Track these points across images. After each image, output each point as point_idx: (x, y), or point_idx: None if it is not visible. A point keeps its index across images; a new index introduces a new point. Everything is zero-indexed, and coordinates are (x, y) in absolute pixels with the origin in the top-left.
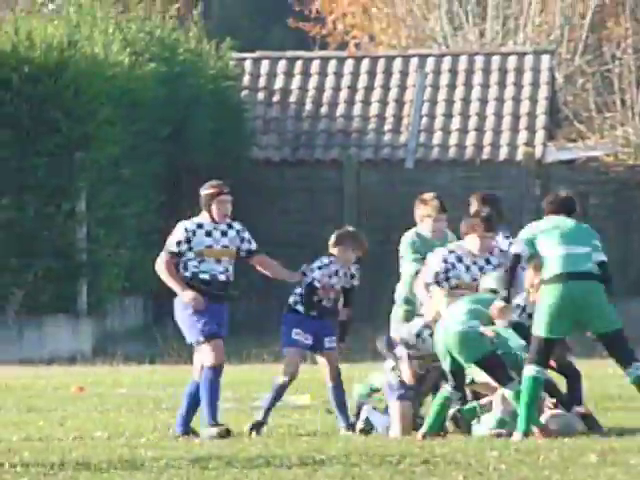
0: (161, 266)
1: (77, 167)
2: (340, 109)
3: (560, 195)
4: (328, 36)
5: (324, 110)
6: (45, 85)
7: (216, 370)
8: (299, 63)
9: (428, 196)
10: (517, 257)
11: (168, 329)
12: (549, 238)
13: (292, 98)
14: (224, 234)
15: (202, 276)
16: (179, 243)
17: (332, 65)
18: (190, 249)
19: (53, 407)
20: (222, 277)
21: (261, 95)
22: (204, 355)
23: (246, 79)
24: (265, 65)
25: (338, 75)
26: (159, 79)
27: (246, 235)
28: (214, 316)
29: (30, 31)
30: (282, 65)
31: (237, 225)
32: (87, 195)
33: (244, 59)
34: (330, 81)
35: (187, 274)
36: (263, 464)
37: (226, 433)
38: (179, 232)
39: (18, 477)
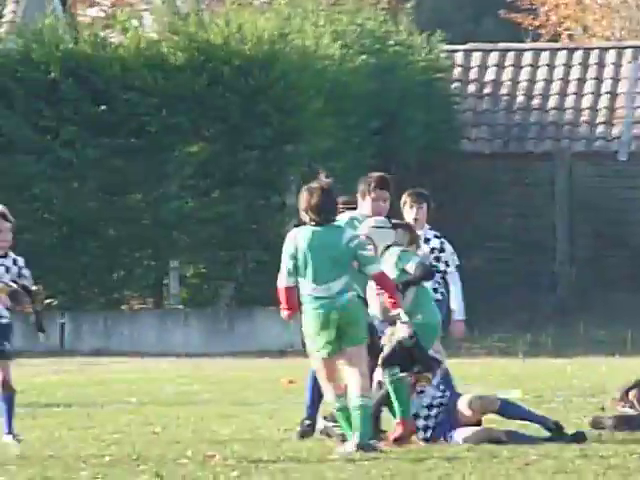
0: None
1: (287, 160)
2: (552, 101)
3: None
4: (540, 27)
5: (536, 102)
6: (255, 78)
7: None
8: (511, 55)
9: None
10: None
11: None
12: None
13: (503, 90)
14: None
15: None
16: None
17: (544, 57)
18: None
19: (262, 400)
20: None
21: (472, 87)
22: None
23: (457, 71)
24: (476, 57)
25: (550, 67)
26: (369, 72)
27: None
28: None
29: (241, 24)
30: (493, 57)
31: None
32: (297, 188)
33: (455, 51)
34: (542, 73)
35: None
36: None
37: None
38: None
39: (229, 470)
